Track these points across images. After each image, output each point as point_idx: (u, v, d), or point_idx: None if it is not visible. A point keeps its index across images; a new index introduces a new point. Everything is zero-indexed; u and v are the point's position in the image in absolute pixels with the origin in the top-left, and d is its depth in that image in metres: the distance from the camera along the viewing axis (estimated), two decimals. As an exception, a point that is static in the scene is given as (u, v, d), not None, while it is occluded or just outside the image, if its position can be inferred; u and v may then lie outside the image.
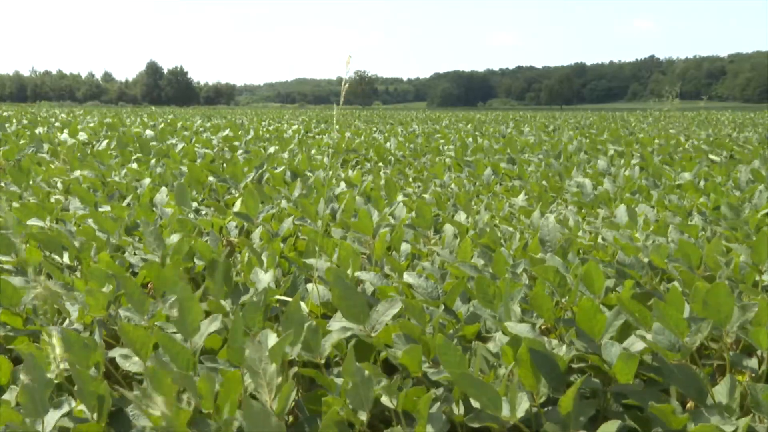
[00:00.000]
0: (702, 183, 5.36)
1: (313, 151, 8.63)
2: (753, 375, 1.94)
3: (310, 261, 2.78)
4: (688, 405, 1.83)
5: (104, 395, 1.70)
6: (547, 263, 2.57)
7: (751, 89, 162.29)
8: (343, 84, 2.98)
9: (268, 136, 12.12)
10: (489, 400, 1.62)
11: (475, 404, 1.69)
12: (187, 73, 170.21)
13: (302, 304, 2.38)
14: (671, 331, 1.84)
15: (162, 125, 14.34)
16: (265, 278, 2.48)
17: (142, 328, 1.93)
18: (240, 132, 12.81)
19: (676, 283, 2.44)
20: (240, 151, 8.40)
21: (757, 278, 2.57)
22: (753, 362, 1.97)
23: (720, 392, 1.72)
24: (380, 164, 7.52)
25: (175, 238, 3.02)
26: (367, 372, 1.70)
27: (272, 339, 1.87)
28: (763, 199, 4.26)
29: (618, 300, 1.98)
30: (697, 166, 6.24)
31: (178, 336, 1.99)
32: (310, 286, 2.56)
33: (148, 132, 11.34)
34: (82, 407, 1.76)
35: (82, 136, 10.15)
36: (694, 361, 1.95)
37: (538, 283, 2.29)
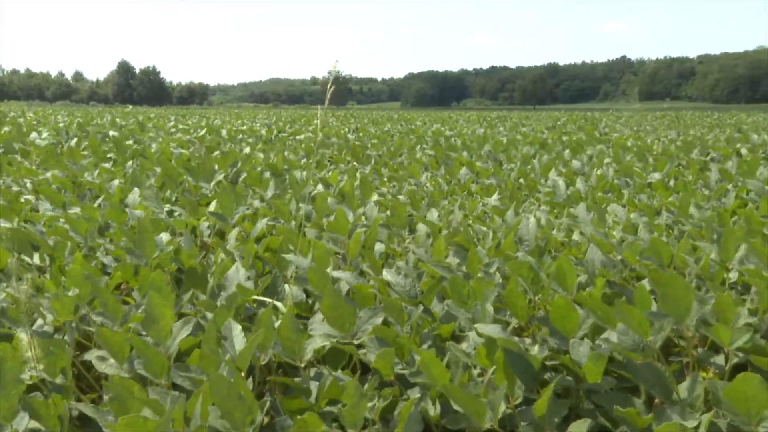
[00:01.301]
0: (672, 182, 5.43)
1: (285, 153, 8.60)
2: (717, 372, 1.98)
3: (289, 256, 2.76)
4: (655, 402, 1.86)
5: (63, 414, 1.69)
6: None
7: (719, 90, 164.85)
8: (329, 87, 2.98)
9: (241, 136, 12.05)
10: (475, 411, 1.64)
11: (456, 407, 1.70)
12: (159, 72, 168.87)
13: (280, 305, 2.38)
14: (634, 331, 1.87)
15: (134, 125, 14.20)
16: (237, 279, 2.47)
17: (119, 333, 1.92)
18: (200, 131, 12.73)
19: (644, 282, 2.47)
20: (216, 153, 8.35)
21: (725, 276, 2.62)
22: (720, 359, 2.01)
23: (684, 389, 1.75)
24: (355, 164, 7.52)
25: (164, 238, 3.00)
26: (364, 389, 1.70)
27: (238, 333, 1.85)
28: (731, 198, 4.33)
29: (584, 301, 2.01)
30: (667, 165, 6.31)
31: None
32: (285, 286, 2.56)
33: (115, 132, 11.19)
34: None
35: (49, 135, 10.02)
36: (663, 358, 1.99)
37: (511, 281, 2.31)
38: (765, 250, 2.68)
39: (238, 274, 2.51)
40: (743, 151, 8.69)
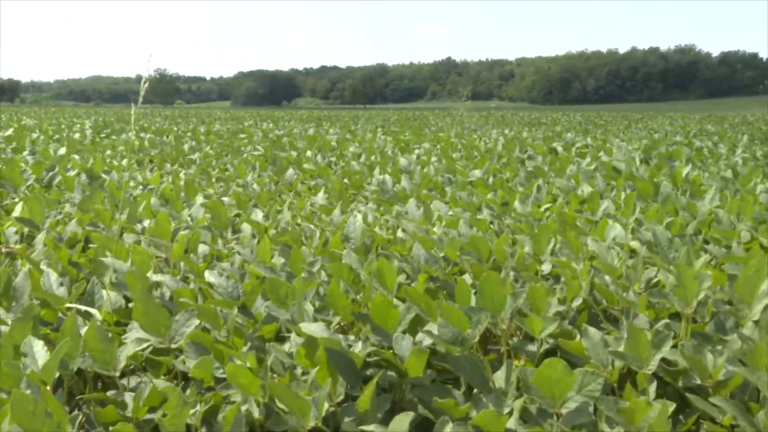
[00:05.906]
0: (491, 180, 5.68)
1: (108, 152, 8.19)
2: (529, 359, 2.10)
3: (108, 260, 2.63)
4: (475, 392, 1.93)
5: None
6: (345, 260, 2.61)
7: (536, 91, 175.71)
8: (142, 83, 2.87)
9: (58, 136, 11.33)
10: (299, 409, 1.63)
11: (281, 406, 1.68)
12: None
13: (95, 311, 2.25)
14: (453, 326, 1.94)
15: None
16: (28, 288, 2.32)
17: None
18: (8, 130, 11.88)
19: (465, 276, 2.57)
20: (26, 152, 7.79)
21: (538, 267, 2.78)
22: (533, 346, 2.12)
23: (499, 378, 1.83)
24: (179, 166, 7.28)
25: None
26: (186, 396, 1.63)
27: (39, 349, 1.73)
28: (543, 194, 4.61)
29: (407, 293, 2.05)
30: (488, 163, 6.61)
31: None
32: (103, 292, 2.43)
33: None
34: None
35: None
36: (481, 349, 2.07)
37: (332, 281, 2.31)
38: (576, 242, 2.86)
39: (49, 280, 2.36)
40: (559, 148, 9.26)
